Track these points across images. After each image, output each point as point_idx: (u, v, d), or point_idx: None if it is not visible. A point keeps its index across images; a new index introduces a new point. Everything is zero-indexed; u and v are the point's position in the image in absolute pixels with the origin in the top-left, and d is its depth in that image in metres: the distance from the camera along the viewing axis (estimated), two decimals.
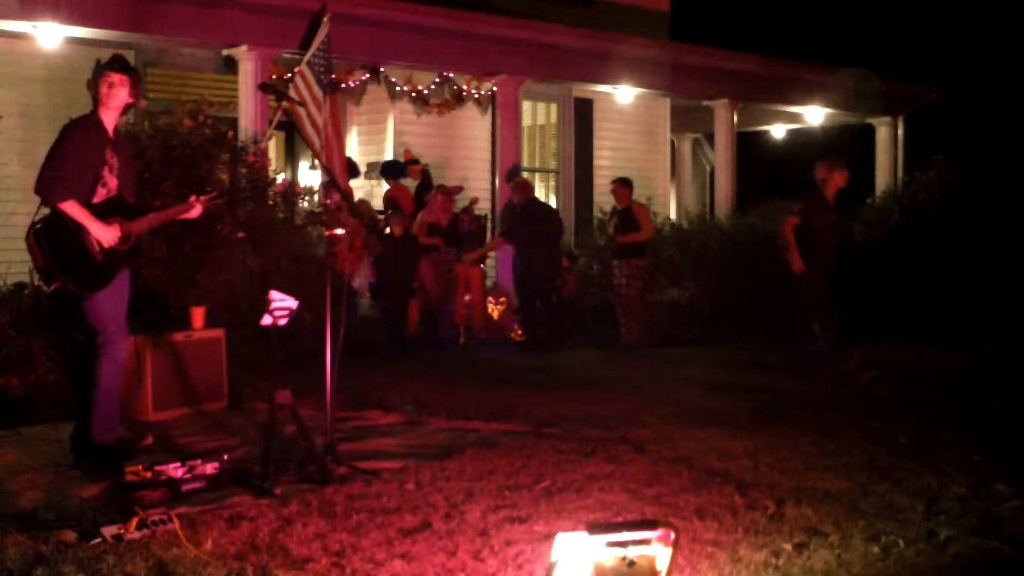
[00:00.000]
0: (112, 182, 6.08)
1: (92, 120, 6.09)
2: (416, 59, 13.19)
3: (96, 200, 6.00)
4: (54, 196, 5.87)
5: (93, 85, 6.11)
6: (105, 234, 5.96)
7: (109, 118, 6.10)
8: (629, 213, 11.89)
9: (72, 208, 5.88)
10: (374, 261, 12.03)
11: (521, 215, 12.33)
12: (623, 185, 12.14)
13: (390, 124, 14.63)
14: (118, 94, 6.05)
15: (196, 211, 6.42)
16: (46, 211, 6.02)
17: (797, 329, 10.01)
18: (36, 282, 8.62)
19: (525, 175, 15.16)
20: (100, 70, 6.09)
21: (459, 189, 13.38)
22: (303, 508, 5.18)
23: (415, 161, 13.65)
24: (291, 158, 15.33)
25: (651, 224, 12.42)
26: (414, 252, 12.05)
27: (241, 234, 8.76)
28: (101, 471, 5.87)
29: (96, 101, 6.09)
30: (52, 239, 5.88)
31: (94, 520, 4.92)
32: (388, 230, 12.30)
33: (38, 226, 5.92)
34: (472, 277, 12.60)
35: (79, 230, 5.91)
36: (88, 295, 6.02)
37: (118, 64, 6.10)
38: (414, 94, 13.75)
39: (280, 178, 11.76)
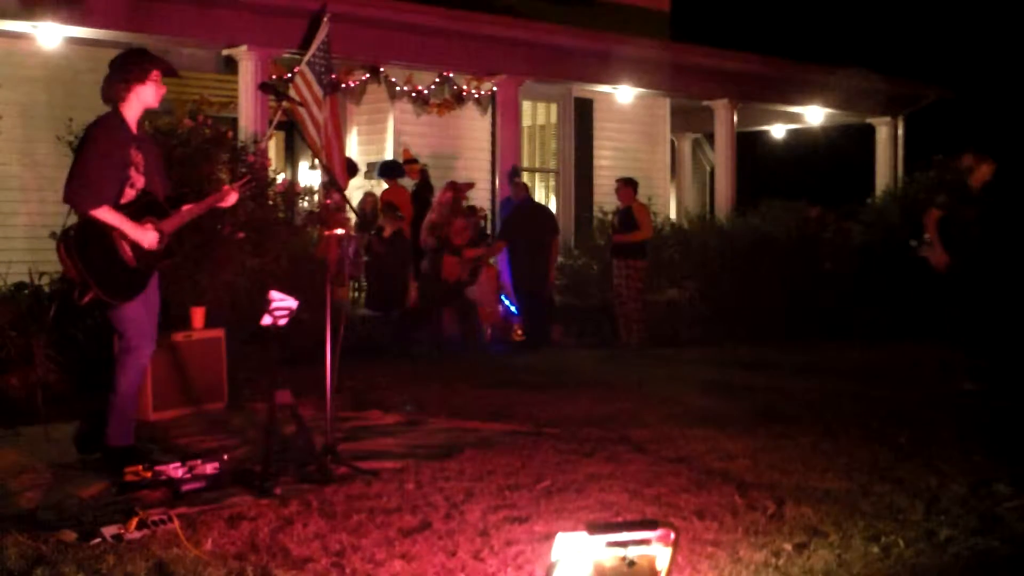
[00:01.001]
0: (140, 181, 5.90)
1: (115, 120, 5.89)
2: (416, 59, 13.19)
3: (124, 201, 5.82)
4: (85, 204, 5.68)
5: (127, 80, 5.86)
6: (145, 237, 5.80)
7: (132, 115, 5.91)
8: (629, 213, 11.89)
9: (106, 214, 5.71)
10: (367, 264, 12.11)
11: (515, 216, 12.49)
12: (626, 185, 12.12)
13: (390, 124, 14.63)
14: (160, 93, 5.97)
15: (232, 198, 6.23)
16: (75, 217, 5.82)
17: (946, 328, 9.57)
18: (36, 282, 8.63)
19: (525, 175, 15.18)
20: (141, 67, 5.88)
21: (470, 186, 13.17)
22: (303, 508, 5.18)
23: (414, 160, 13.63)
24: (291, 158, 15.34)
25: (650, 225, 12.42)
26: (405, 252, 12.08)
27: (241, 234, 8.76)
28: (104, 472, 5.86)
29: (118, 99, 5.88)
30: (84, 249, 5.69)
31: (94, 520, 4.91)
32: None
33: (70, 234, 5.72)
34: (489, 276, 12.63)
35: (111, 237, 5.75)
36: (123, 304, 5.86)
37: (160, 61, 6.00)
38: (414, 94, 13.75)
39: (280, 178, 11.77)
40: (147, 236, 5.83)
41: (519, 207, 12.61)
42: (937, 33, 26.71)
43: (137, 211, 5.85)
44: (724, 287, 13.53)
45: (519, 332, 12.47)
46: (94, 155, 5.76)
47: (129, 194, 5.86)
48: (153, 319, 6.10)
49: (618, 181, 12.34)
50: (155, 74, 5.93)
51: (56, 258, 5.91)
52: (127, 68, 5.89)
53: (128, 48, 6.15)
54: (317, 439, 5.95)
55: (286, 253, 9.41)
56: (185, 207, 6.12)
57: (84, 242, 5.72)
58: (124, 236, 5.80)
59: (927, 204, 9.49)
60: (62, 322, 8.11)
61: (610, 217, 13.22)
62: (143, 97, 5.91)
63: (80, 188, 5.70)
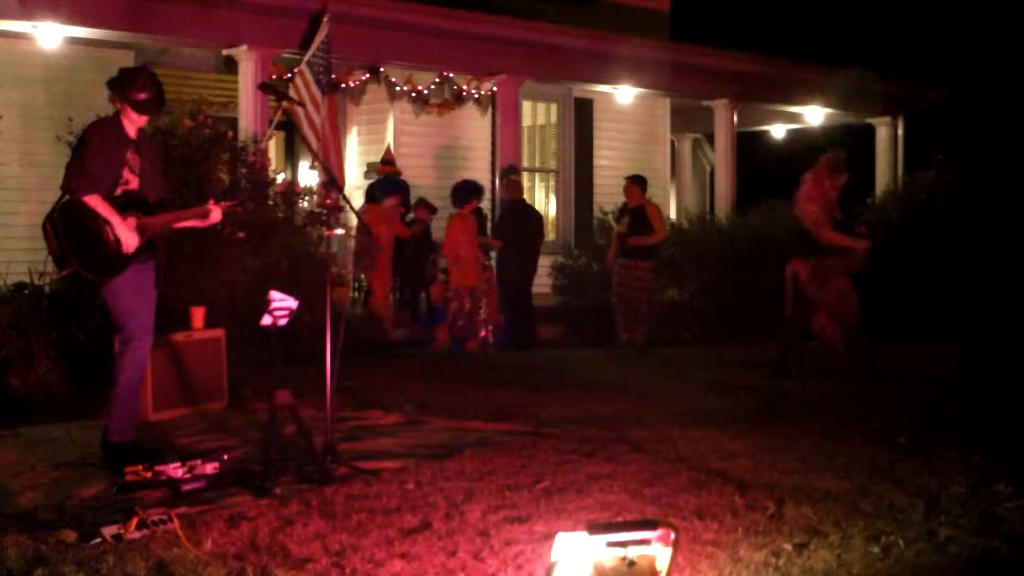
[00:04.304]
0: (134, 181, 6.11)
1: (112, 122, 6.13)
2: (416, 59, 13.19)
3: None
4: (79, 190, 5.91)
5: (117, 96, 6.11)
6: (127, 236, 5.98)
7: (130, 122, 6.14)
8: (642, 214, 11.66)
9: (96, 202, 5.92)
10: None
11: (507, 215, 12.50)
12: (635, 183, 11.86)
13: (390, 124, 14.63)
14: (141, 120, 6.19)
15: (216, 215, 6.40)
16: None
17: None
18: (36, 282, 8.63)
19: (525, 175, 15.18)
20: (128, 88, 6.08)
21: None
22: (303, 508, 5.18)
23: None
24: (291, 158, 15.34)
25: (664, 225, 12.24)
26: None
27: (241, 234, 8.76)
28: (104, 472, 5.86)
29: (115, 107, 6.13)
30: (67, 225, 5.90)
31: (94, 520, 4.91)
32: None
33: (55, 214, 5.94)
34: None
35: (96, 220, 5.92)
36: (101, 281, 6.00)
37: (145, 87, 6.12)
38: (414, 94, 13.75)
39: (280, 178, 11.76)
40: (128, 237, 5.99)
41: (511, 207, 12.64)
42: (936, 33, 26.72)
43: (125, 204, 6.04)
44: (724, 287, 13.53)
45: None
46: (91, 148, 5.99)
47: (117, 192, 6.04)
48: (150, 313, 6.19)
49: (627, 180, 12.09)
50: (141, 96, 6.08)
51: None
52: (118, 85, 6.13)
53: (136, 66, 6.32)
54: (317, 439, 5.95)
55: (286, 253, 9.41)
56: (170, 213, 6.36)
57: (68, 218, 5.92)
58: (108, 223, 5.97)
59: None
60: (62, 322, 8.12)
61: (610, 217, 13.15)
62: (130, 115, 6.13)
63: (77, 175, 5.93)
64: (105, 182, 5.97)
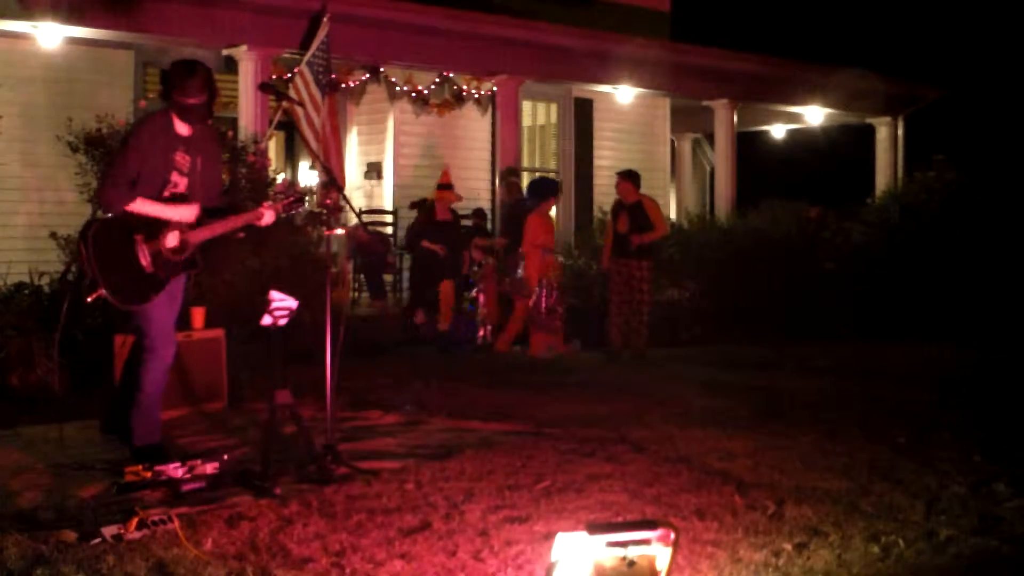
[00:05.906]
0: (182, 183, 5.82)
1: (163, 120, 5.80)
2: (416, 59, 13.19)
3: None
4: (115, 205, 5.67)
5: (164, 91, 5.75)
6: (183, 213, 5.73)
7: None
8: (641, 210, 11.39)
9: (139, 206, 5.67)
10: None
11: (507, 217, 12.46)
12: (626, 179, 11.52)
13: (390, 124, 14.64)
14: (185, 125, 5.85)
15: (269, 217, 6.14)
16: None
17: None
18: (36, 282, 8.63)
19: (525, 175, 15.17)
20: (172, 84, 5.69)
21: None
22: (303, 508, 5.18)
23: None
24: (291, 158, 15.34)
25: (664, 221, 12.00)
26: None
27: (241, 234, 8.75)
28: (108, 471, 5.86)
29: (166, 102, 5.77)
30: (100, 247, 5.64)
31: (94, 520, 4.91)
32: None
33: (88, 231, 5.67)
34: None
35: (131, 240, 5.70)
36: (130, 309, 5.86)
37: (192, 88, 5.70)
38: (414, 94, 13.75)
39: (280, 178, 11.76)
40: (184, 212, 5.77)
41: (511, 208, 12.62)
42: (936, 33, 26.72)
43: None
44: (724, 287, 13.52)
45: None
46: (131, 155, 5.72)
47: (165, 195, 5.82)
48: (174, 320, 6.12)
49: (619, 176, 11.75)
50: (190, 102, 5.71)
51: (55, 258, 5.94)
52: (167, 82, 5.77)
53: (190, 61, 5.87)
54: (317, 439, 5.95)
55: (286, 253, 9.41)
56: (217, 222, 6.00)
57: (102, 240, 5.68)
58: (147, 239, 5.75)
59: None
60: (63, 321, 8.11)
61: (609, 216, 13.05)
62: (177, 111, 5.78)
63: (108, 189, 5.70)
64: (146, 188, 5.69)
